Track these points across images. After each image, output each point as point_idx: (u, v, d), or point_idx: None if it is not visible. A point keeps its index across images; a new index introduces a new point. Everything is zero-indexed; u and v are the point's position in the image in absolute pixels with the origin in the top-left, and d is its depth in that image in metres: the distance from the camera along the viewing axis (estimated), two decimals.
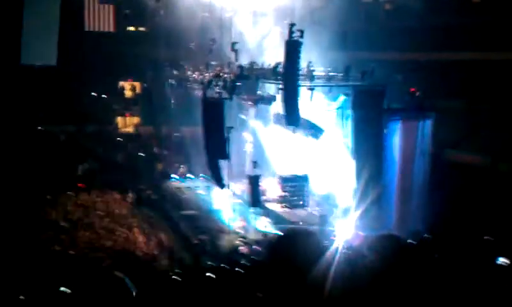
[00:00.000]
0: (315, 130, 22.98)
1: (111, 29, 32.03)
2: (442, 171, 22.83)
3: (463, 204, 20.96)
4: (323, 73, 22.62)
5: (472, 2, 27.45)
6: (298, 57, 21.34)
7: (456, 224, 17.75)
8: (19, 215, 22.29)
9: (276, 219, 23.11)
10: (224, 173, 24.70)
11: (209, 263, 18.76)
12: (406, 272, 12.14)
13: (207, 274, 15.23)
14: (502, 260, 11.32)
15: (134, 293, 10.27)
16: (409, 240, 15.55)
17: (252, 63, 25.04)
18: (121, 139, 32.23)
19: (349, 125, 21.55)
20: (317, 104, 22.66)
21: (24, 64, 29.91)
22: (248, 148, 27.99)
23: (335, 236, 18.94)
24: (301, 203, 23.93)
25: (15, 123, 28.83)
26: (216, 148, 24.40)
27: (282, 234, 14.70)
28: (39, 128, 30.23)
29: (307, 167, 24.34)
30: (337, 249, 14.84)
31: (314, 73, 21.98)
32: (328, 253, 14.81)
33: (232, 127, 24.33)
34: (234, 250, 20.60)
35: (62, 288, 13.68)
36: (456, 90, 26.03)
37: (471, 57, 26.53)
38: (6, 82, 28.65)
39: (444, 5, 26.60)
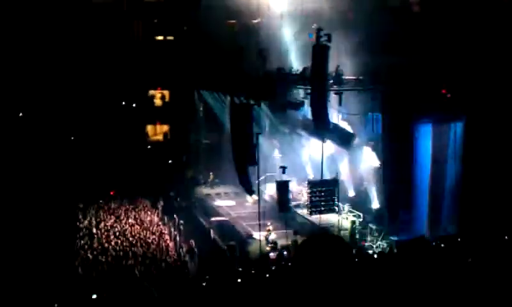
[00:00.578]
0: (345, 136, 22.82)
1: (140, 39, 32.44)
2: (474, 174, 22.32)
3: (495, 208, 20.45)
4: (352, 77, 22.43)
5: None
6: (326, 62, 21.24)
7: (488, 227, 17.30)
8: (53, 222, 22.71)
9: (304, 224, 22.95)
10: (254, 179, 24.73)
11: (238, 268, 18.79)
12: (437, 275, 11.92)
13: (236, 280, 15.29)
14: None
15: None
16: (440, 244, 15.30)
17: (280, 69, 25.03)
18: (151, 147, 32.62)
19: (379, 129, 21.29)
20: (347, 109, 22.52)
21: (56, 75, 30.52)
22: (277, 153, 28.00)
23: (366, 240, 18.74)
24: (331, 208, 23.68)
25: (49, 133, 29.48)
26: (244, 153, 24.43)
27: (305, 239, 14.64)
28: (71, 137, 30.80)
29: (339, 171, 24.12)
30: (368, 253, 14.75)
31: (343, 77, 21.79)
32: (360, 257, 14.63)
33: (259, 133, 24.33)
34: (263, 255, 20.54)
35: (94, 296, 13.89)
36: (487, 92, 25.38)
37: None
38: (41, 93, 29.37)
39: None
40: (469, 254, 13.52)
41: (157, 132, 33.83)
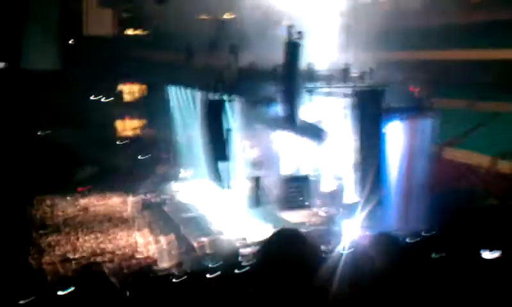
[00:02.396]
0: (317, 133, 22.89)
1: (110, 33, 32.00)
2: (443, 170, 22.81)
3: (462, 204, 20.97)
4: (324, 74, 22.55)
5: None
6: (297, 59, 21.31)
7: (455, 223, 17.68)
8: (20, 219, 22.30)
9: (278, 220, 22.97)
10: (226, 175, 24.66)
11: (209, 265, 18.74)
12: (406, 271, 12.10)
13: (207, 276, 15.25)
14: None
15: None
16: (409, 240, 15.56)
17: (252, 65, 25.01)
18: (121, 142, 32.21)
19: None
20: (321, 105, 22.62)
21: (25, 69, 29.92)
22: (249, 149, 27.93)
23: (341, 235, 18.86)
24: (305, 203, 23.76)
25: (15, 127, 28.85)
26: (216, 149, 24.37)
27: (268, 238, 14.73)
28: (39, 132, 30.24)
29: (312, 166, 24.22)
30: (344, 249, 14.82)
31: (315, 74, 21.92)
32: (334, 253, 14.73)
33: (230, 129, 24.30)
34: (235, 252, 20.49)
35: (60, 292, 13.67)
36: (456, 89, 26.03)
37: (471, 56, 26.56)
38: (7, 86, 28.72)
39: (446, 5, 26.59)
40: (435, 250, 13.78)
41: (126, 127, 33.47)
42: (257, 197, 24.41)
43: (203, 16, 30.02)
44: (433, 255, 13.58)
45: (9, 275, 16.74)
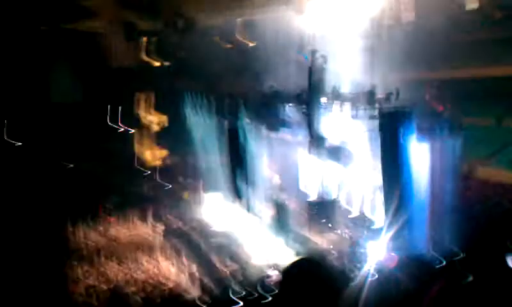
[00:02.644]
0: (343, 155, 22.90)
1: (135, 65, 32.61)
2: (473, 190, 22.41)
3: (495, 223, 20.48)
4: (349, 96, 22.59)
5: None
6: (321, 82, 21.49)
7: (488, 244, 17.29)
8: (52, 251, 22.56)
9: (305, 244, 22.81)
10: (251, 199, 24.74)
11: (238, 292, 18.65)
12: (438, 293, 11.85)
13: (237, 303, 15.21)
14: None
15: None
16: (441, 262, 15.26)
17: (275, 90, 25.21)
18: (147, 171, 32.59)
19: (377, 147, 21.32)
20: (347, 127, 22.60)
21: (55, 102, 30.72)
22: (274, 173, 27.96)
23: (366, 258, 18.62)
24: (330, 226, 23.63)
25: (45, 159, 29.44)
26: (240, 174, 24.55)
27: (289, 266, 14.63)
28: (66, 164, 30.76)
29: (337, 189, 24.11)
30: (368, 272, 14.66)
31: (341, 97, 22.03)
32: (360, 276, 14.55)
33: (252, 153, 24.47)
34: (264, 278, 20.37)
35: None
36: (484, 106, 25.62)
37: (498, 73, 26.16)
38: (38, 119, 29.44)
39: (467, 21, 26.38)
40: (468, 272, 13.50)
41: (154, 156, 33.82)
42: (282, 222, 24.40)
43: (226, 44, 30.41)
44: (462, 279, 13.33)
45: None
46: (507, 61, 26.35)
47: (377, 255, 18.49)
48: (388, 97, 21.73)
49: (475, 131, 23.31)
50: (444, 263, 14.68)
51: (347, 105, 22.09)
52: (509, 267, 11.81)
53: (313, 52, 21.66)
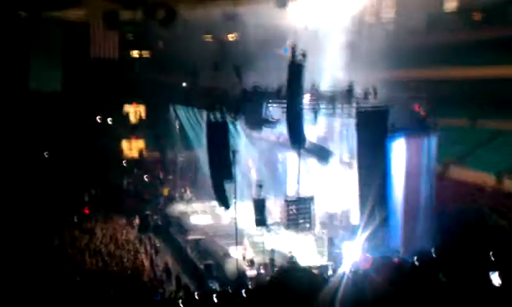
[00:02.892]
0: (322, 153, 22.93)
1: (115, 55, 32.28)
2: (447, 189, 22.71)
3: (468, 222, 20.79)
4: (327, 94, 22.59)
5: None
6: (301, 79, 21.41)
7: (462, 243, 17.51)
8: (24, 240, 22.32)
9: (279, 243, 22.85)
10: (230, 195, 24.67)
11: (214, 287, 18.68)
12: (412, 294, 11.98)
13: (212, 299, 15.22)
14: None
15: None
16: (415, 261, 15.37)
17: (256, 86, 25.11)
18: (126, 164, 32.34)
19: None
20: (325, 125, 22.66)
21: (32, 90, 30.30)
22: (253, 170, 27.98)
23: (341, 259, 18.73)
24: (307, 225, 23.67)
25: (21, 148, 29.06)
26: (221, 169, 24.38)
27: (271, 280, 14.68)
28: (44, 153, 30.41)
29: (314, 187, 24.19)
30: (344, 273, 14.73)
31: (320, 94, 21.99)
32: (336, 277, 14.61)
33: (234, 150, 24.33)
34: (240, 274, 20.41)
35: None
36: (459, 106, 26.03)
37: (474, 74, 26.57)
38: (15, 108, 29.05)
39: (446, 22, 26.71)
40: (442, 272, 13.59)
41: (132, 147, 33.61)
42: (261, 219, 24.39)
43: (208, 38, 30.31)
44: (438, 278, 13.43)
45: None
46: (484, 63, 26.78)
47: (352, 255, 18.59)
48: (365, 95, 21.79)
49: (449, 131, 23.63)
50: (417, 264, 14.77)
51: (326, 103, 22.09)
52: (487, 278, 11.95)
53: (293, 48, 21.58)
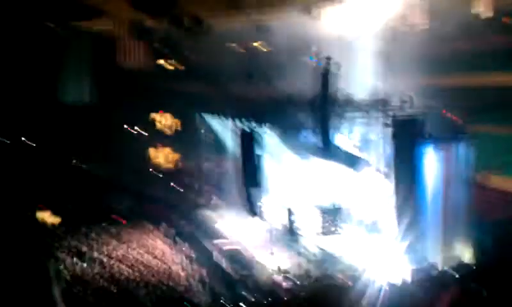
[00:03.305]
0: (354, 161, 22.79)
1: (143, 65, 32.53)
2: (487, 198, 22.20)
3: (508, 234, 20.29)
4: (362, 102, 22.47)
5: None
6: (332, 88, 21.37)
7: (502, 255, 17.12)
8: (56, 248, 22.58)
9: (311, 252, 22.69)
10: (258, 203, 24.69)
11: (245, 295, 18.57)
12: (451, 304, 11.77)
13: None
14: None
15: None
16: (455, 274, 15.12)
17: (286, 94, 25.09)
18: (156, 173, 32.56)
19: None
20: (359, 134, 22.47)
21: (63, 102, 30.70)
22: (283, 178, 27.87)
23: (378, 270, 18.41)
24: (334, 234, 23.51)
25: (53, 159, 29.46)
26: (249, 177, 24.46)
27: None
28: (74, 163, 30.80)
29: (346, 196, 24.00)
30: (381, 286, 14.53)
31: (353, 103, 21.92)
32: (368, 288, 14.40)
33: (261, 157, 24.36)
34: (274, 285, 20.23)
35: None
36: (497, 114, 25.45)
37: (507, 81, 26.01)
38: (45, 119, 29.48)
39: (481, 28, 26.23)
40: (483, 284, 13.33)
41: (161, 157, 33.80)
42: (290, 227, 24.30)
43: (236, 47, 30.34)
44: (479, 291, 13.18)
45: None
46: None
47: (389, 267, 18.33)
48: (401, 104, 21.60)
49: (488, 139, 23.18)
50: (457, 276, 14.52)
51: (360, 112, 21.95)
52: None
53: (327, 59, 21.55)
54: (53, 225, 25.17)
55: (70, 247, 23.29)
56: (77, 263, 21.71)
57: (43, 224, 24.77)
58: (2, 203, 24.98)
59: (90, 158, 30.92)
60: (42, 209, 25.81)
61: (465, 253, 18.95)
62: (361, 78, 23.05)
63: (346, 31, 24.85)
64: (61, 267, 21.12)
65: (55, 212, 25.98)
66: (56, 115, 29.90)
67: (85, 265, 21.64)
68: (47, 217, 25.72)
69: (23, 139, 29.44)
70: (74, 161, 30.85)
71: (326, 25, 25.90)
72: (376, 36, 24.44)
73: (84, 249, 23.47)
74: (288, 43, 27.77)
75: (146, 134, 33.50)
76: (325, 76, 21.62)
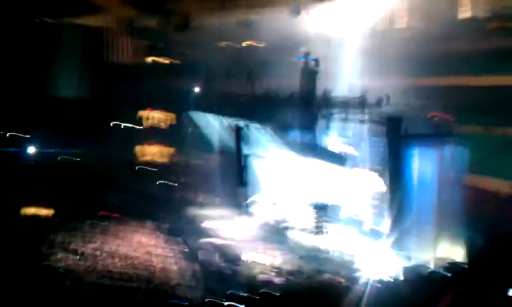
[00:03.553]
0: (337, 159, 23.26)
1: (133, 61, 32.57)
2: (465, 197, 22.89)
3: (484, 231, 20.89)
4: (342, 100, 22.90)
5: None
6: (314, 85, 21.74)
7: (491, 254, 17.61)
8: (42, 243, 22.57)
9: (297, 248, 23.10)
10: (244, 200, 24.99)
11: (233, 292, 18.93)
12: (438, 302, 12.26)
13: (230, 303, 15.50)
14: None
15: None
16: (445, 272, 15.64)
17: (270, 92, 25.44)
18: (145, 168, 32.62)
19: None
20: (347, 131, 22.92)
21: (51, 95, 30.60)
22: (268, 175, 28.26)
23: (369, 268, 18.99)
24: (322, 231, 24.00)
25: (42, 153, 29.34)
26: (238, 173, 24.76)
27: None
28: (65, 157, 30.73)
29: (336, 194, 24.45)
30: (368, 281, 15.01)
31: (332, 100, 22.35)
32: (359, 285, 14.91)
33: (249, 155, 24.60)
34: (261, 279, 20.64)
35: None
36: (475, 114, 26.18)
37: (489, 82, 26.74)
38: (34, 112, 29.34)
39: (460, 30, 26.91)
40: (471, 283, 13.78)
41: (149, 152, 33.86)
42: (279, 224, 24.70)
43: (223, 44, 30.62)
44: (459, 289, 13.62)
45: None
46: (498, 71, 27.00)
47: (374, 262, 18.84)
48: (378, 103, 22.08)
49: (465, 139, 23.83)
50: (449, 275, 15.05)
51: (349, 111, 22.40)
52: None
53: (307, 55, 21.88)
54: (43, 219, 25.09)
55: (61, 242, 23.28)
56: (67, 258, 21.76)
57: (34, 218, 24.66)
58: None
59: (79, 154, 30.80)
60: (33, 203, 25.71)
61: (455, 251, 19.49)
62: (349, 77, 23.51)
63: (334, 30, 25.25)
64: (52, 261, 21.15)
65: (45, 206, 25.88)
66: (47, 108, 29.74)
67: (76, 259, 21.71)
68: (37, 211, 25.66)
69: (13, 132, 29.17)
70: (65, 155, 30.75)
71: (315, 24, 26.35)
72: (364, 35, 24.87)
73: (75, 243, 23.52)
74: (277, 41, 28.17)
75: (137, 130, 33.48)
76: (313, 75, 22.03)
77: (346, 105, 22.81)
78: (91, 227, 25.81)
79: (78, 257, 22.10)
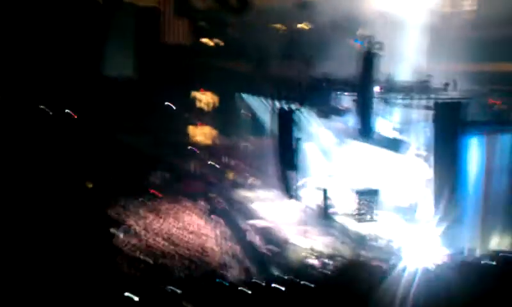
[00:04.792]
0: (393, 144, 22.49)
1: (186, 42, 32.77)
2: None
3: None
4: (404, 85, 22.11)
5: None
6: (375, 69, 21.03)
7: None
8: (95, 219, 23.02)
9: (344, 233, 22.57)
10: (294, 184, 24.62)
11: (277, 274, 18.65)
12: (488, 293, 11.48)
13: (274, 285, 15.20)
14: None
15: None
16: (495, 263, 14.74)
17: (325, 75, 24.86)
18: (193, 148, 32.84)
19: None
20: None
21: (106, 76, 31.21)
22: (320, 160, 27.77)
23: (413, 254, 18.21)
24: (368, 217, 23.37)
25: (95, 131, 30.02)
26: (286, 158, 24.40)
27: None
28: (115, 136, 31.32)
29: (384, 180, 23.72)
30: (417, 269, 14.32)
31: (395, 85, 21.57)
32: (407, 274, 14.26)
33: (299, 138, 24.21)
34: (305, 263, 20.27)
35: (127, 294, 13.94)
36: None
37: None
38: (88, 92, 30.01)
39: None
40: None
41: (199, 133, 34.10)
42: (325, 209, 24.23)
43: (279, 26, 30.28)
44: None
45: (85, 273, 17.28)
46: None
47: (424, 250, 18.09)
48: (445, 87, 21.16)
49: None
50: (499, 266, 14.17)
51: (402, 94, 21.58)
52: None
53: (370, 38, 21.16)
54: (92, 196, 25.68)
55: (108, 219, 23.74)
56: (114, 235, 22.17)
57: (83, 194, 25.27)
58: (45, 172, 25.63)
59: (130, 133, 31.35)
60: (82, 180, 26.39)
61: (503, 242, 18.53)
62: (405, 60, 22.65)
63: (391, 11, 24.37)
64: (100, 237, 21.57)
65: (94, 184, 26.51)
66: (98, 88, 30.38)
67: (122, 236, 22.07)
68: (86, 188, 26.31)
69: (66, 110, 29.92)
70: (114, 134, 31.35)
71: (371, 4, 25.55)
72: (421, 17, 23.90)
73: (122, 220, 23.93)
74: (331, 22, 27.52)
75: (188, 111, 33.74)
76: (368, 57, 21.26)
77: (409, 89, 21.93)
78: (142, 204, 26.26)
79: (126, 233, 22.51)
